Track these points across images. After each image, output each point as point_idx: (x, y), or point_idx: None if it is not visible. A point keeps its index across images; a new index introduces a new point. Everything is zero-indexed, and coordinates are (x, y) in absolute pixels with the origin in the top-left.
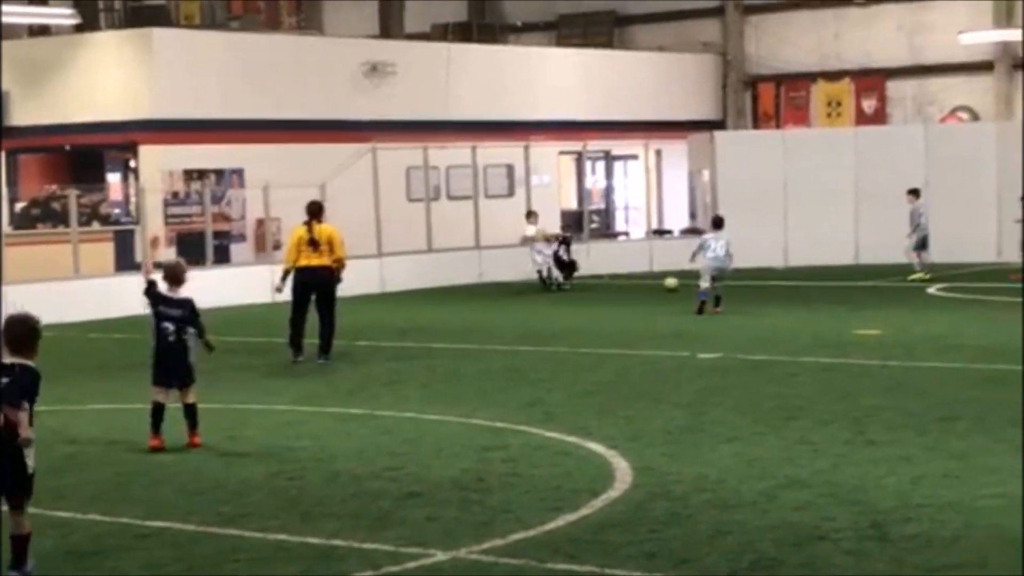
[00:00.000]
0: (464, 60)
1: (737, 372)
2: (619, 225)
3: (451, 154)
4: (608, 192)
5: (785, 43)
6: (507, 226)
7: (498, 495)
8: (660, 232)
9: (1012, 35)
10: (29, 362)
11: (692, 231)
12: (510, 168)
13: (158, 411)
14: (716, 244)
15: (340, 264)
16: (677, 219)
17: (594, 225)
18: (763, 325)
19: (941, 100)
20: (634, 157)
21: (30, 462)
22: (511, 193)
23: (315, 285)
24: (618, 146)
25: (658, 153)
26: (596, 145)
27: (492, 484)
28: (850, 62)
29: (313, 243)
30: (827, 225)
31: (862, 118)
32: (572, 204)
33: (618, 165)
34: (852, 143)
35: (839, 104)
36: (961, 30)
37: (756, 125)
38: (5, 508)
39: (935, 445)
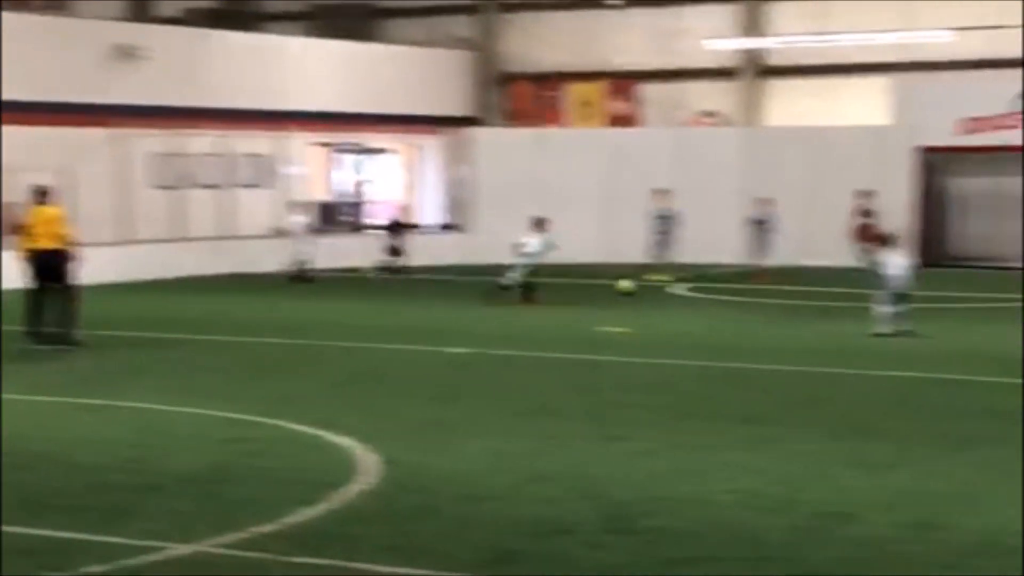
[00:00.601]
0: (218, 47)
1: (487, 367)
2: (372, 219)
3: (203, 142)
4: (361, 185)
5: (540, 42)
6: (259, 216)
7: (241, 488)
8: (415, 226)
9: (757, 43)
10: None
11: (447, 227)
12: (263, 158)
13: None
14: (531, 242)
15: (68, 244)
16: (431, 214)
17: (347, 218)
18: (513, 321)
19: (690, 104)
20: (389, 151)
21: None
22: (264, 183)
23: (47, 269)
24: (373, 139)
25: (413, 147)
26: (351, 138)
27: (235, 477)
28: (603, 64)
29: (37, 227)
30: (578, 223)
31: (614, 119)
32: (325, 196)
33: (372, 158)
34: (604, 144)
35: (592, 105)
36: (710, 36)
37: (511, 123)
38: None
39: (676, 441)
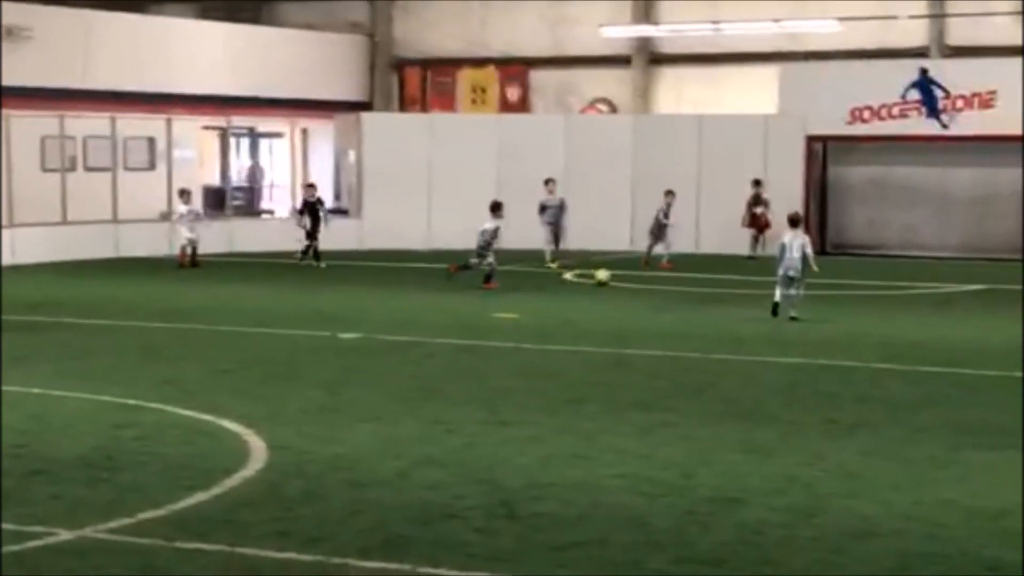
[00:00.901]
0: (107, 28)
1: (376, 353)
2: (264, 203)
3: (89, 124)
4: (253, 170)
5: (433, 28)
6: (147, 200)
7: (128, 473)
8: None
9: (650, 31)
10: None
11: (337, 211)
12: (151, 141)
13: None
14: (483, 226)
15: None
16: (322, 199)
17: (238, 203)
18: (404, 307)
19: (582, 91)
20: (280, 135)
21: None
22: (152, 166)
23: None
24: (264, 123)
25: (304, 132)
26: (241, 122)
27: (122, 462)
28: (495, 50)
29: None
30: (469, 210)
31: (506, 106)
32: (216, 180)
33: (264, 143)
34: (496, 130)
35: (484, 91)
36: (602, 24)
37: (403, 108)
38: None
39: (565, 426)
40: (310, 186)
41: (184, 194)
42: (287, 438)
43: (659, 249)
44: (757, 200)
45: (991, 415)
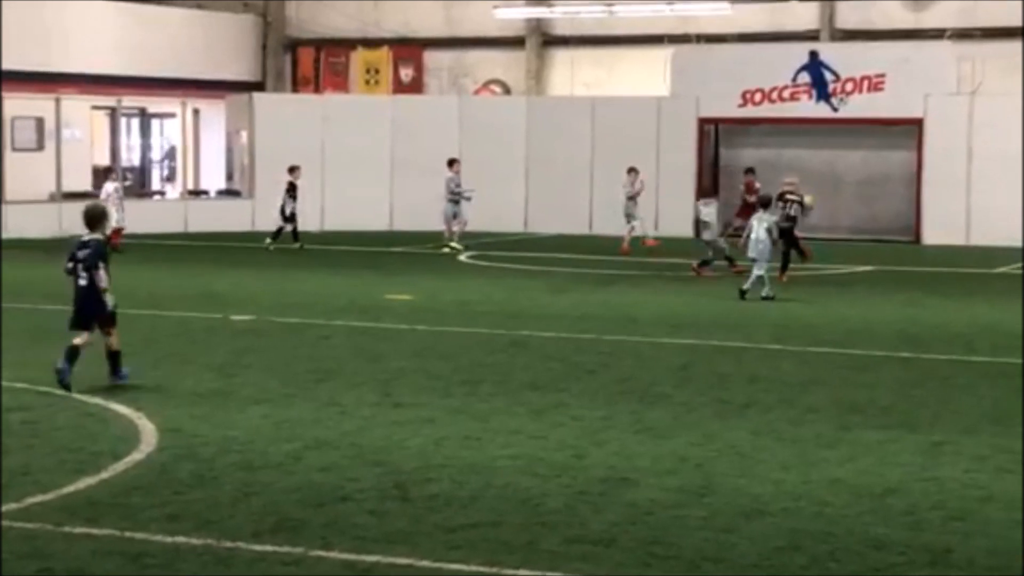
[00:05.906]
0: None
1: (270, 334)
2: (154, 184)
3: None
4: (144, 150)
5: (326, 8)
6: (36, 181)
7: (15, 457)
8: (196, 192)
9: (543, 12)
10: (99, 236)
11: (229, 192)
12: (39, 121)
13: None
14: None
15: None
16: (214, 180)
17: (128, 183)
18: (297, 288)
19: (476, 72)
20: (171, 115)
21: (109, 301)
22: (40, 147)
23: None
24: (155, 103)
25: (196, 112)
26: (132, 102)
27: (9, 446)
28: (389, 31)
29: None
30: (363, 191)
31: (400, 87)
32: (106, 160)
33: (155, 123)
34: (389, 111)
35: (377, 72)
36: (495, 5)
37: (296, 89)
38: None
39: (458, 408)
40: (294, 168)
41: (109, 172)
42: (178, 421)
43: (636, 230)
44: (750, 188)
45: (879, 395)
